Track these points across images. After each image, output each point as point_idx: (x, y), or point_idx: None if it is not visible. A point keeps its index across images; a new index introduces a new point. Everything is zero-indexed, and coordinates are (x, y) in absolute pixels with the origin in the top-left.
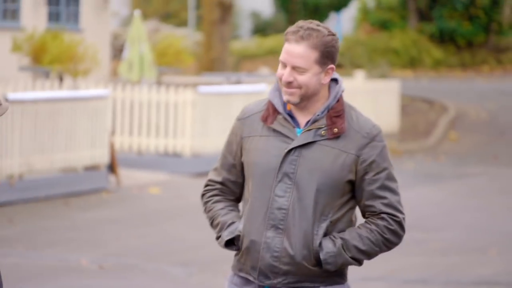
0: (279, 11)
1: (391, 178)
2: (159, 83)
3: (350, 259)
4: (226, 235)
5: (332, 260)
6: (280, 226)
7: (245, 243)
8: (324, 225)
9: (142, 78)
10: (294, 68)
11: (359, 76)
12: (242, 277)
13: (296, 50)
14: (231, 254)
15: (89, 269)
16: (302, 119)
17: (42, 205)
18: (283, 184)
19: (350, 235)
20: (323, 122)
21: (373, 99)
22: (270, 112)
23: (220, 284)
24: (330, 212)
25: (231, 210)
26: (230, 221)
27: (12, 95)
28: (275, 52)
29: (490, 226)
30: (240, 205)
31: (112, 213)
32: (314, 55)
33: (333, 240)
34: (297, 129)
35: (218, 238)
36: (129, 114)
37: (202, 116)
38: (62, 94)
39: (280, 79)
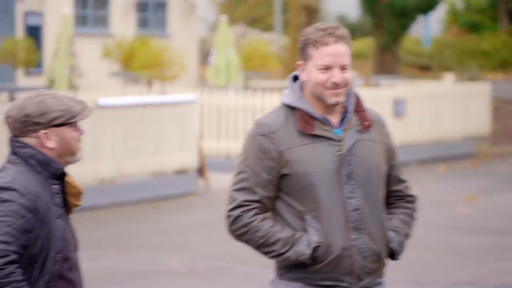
0: (365, 15)
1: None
2: (245, 87)
3: (404, 248)
4: (306, 249)
5: (401, 250)
6: (360, 227)
7: (333, 252)
8: (385, 216)
9: (229, 82)
10: (340, 67)
11: (448, 79)
12: (319, 285)
13: (340, 49)
14: None
15: (179, 272)
16: (333, 118)
17: (133, 209)
18: (349, 185)
19: (399, 223)
20: (355, 119)
21: (463, 102)
22: (306, 120)
23: None
24: (383, 203)
25: (283, 225)
26: (296, 235)
27: (102, 101)
28: (361, 56)
29: None
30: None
31: (201, 217)
32: (348, 52)
33: (394, 230)
34: (335, 131)
35: (281, 254)
36: (217, 119)
37: None
38: (151, 100)
39: (323, 84)
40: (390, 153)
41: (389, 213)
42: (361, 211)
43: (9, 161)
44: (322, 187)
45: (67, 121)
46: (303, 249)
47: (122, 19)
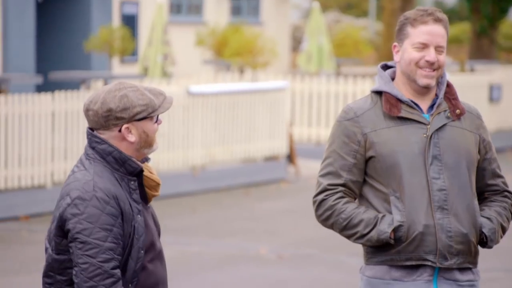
0: None
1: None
2: (337, 74)
3: (499, 238)
4: (387, 227)
5: (494, 237)
6: (446, 207)
7: (416, 230)
8: (476, 202)
9: (321, 69)
10: (436, 48)
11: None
12: (404, 267)
13: (437, 30)
14: None
15: (267, 258)
16: (423, 104)
17: (223, 195)
18: (435, 166)
19: (494, 213)
20: (445, 105)
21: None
22: (392, 103)
23: None
24: (474, 189)
25: (367, 208)
26: (380, 215)
27: (194, 88)
28: (457, 41)
29: None
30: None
31: (290, 203)
32: (446, 36)
33: (488, 218)
34: (424, 115)
35: (364, 235)
36: (308, 105)
37: None
38: (242, 87)
39: (416, 62)
40: (484, 144)
41: (484, 206)
42: (447, 192)
43: (87, 155)
44: (407, 167)
45: (149, 115)
46: (384, 227)
47: (216, 7)
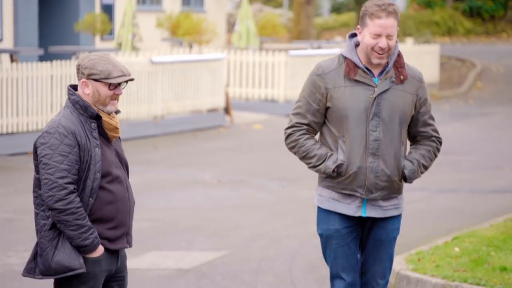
0: None
1: (432, 111)
2: (260, 49)
3: (420, 174)
4: (331, 164)
5: (413, 176)
6: (377, 153)
7: (351, 169)
8: (403, 149)
9: (249, 45)
10: (387, 36)
11: (409, 42)
12: (342, 193)
13: (389, 22)
14: (311, 172)
15: (210, 182)
16: (375, 70)
17: (177, 137)
18: (374, 121)
19: (417, 155)
20: (392, 72)
21: (419, 58)
22: (351, 67)
23: (304, 193)
24: (404, 139)
25: (321, 145)
26: (328, 153)
27: (155, 58)
28: (347, 25)
29: (505, 150)
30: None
31: (227, 143)
32: (396, 23)
33: (411, 161)
34: (374, 79)
35: (316, 166)
36: (239, 72)
37: (292, 72)
38: (191, 57)
39: (372, 47)
40: (420, 102)
41: (414, 148)
42: (379, 142)
43: (65, 104)
44: (353, 120)
45: (101, 80)
46: (329, 164)
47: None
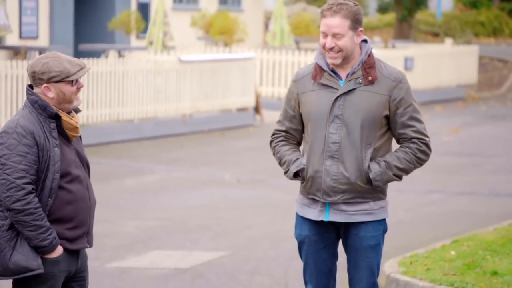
0: None
1: (416, 110)
2: (298, 48)
3: (393, 176)
4: (294, 168)
5: (380, 178)
6: (336, 156)
7: (309, 173)
8: (369, 151)
9: (282, 44)
10: (333, 35)
11: (448, 43)
12: (309, 198)
13: (333, 22)
14: None
15: (229, 182)
16: (343, 73)
17: (205, 136)
18: (335, 124)
19: (390, 157)
20: (359, 73)
21: (457, 59)
22: (318, 71)
23: None
24: (372, 141)
25: (294, 150)
26: (295, 158)
27: (184, 57)
28: (391, 25)
29: None
30: (301, 147)
31: (254, 143)
32: (347, 23)
33: (378, 163)
34: (340, 81)
35: (286, 172)
36: (272, 71)
37: None
38: (220, 56)
39: (323, 46)
40: (395, 103)
41: (392, 151)
42: (339, 144)
43: (24, 104)
44: (315, 124)
45: (63, 79)
46: (293, 168)
47: None
